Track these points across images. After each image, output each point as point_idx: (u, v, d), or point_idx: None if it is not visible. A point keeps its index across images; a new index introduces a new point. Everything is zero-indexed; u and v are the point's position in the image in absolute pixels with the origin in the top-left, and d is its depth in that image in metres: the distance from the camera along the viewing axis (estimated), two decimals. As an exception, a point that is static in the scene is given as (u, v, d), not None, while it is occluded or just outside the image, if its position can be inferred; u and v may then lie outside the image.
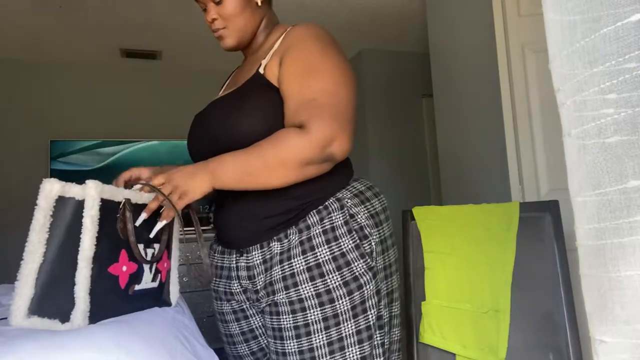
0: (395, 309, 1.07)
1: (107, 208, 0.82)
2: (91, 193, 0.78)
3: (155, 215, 0.96)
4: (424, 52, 3.71)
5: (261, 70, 1.02)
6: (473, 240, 1.48)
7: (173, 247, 1.02)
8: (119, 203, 0.85)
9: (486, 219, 1.49)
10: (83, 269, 0.76)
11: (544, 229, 1.43)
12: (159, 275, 0.96)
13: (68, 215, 0.77)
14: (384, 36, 3.70)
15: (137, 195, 0.90)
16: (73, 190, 0.78)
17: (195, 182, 0.90)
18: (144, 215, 0.89)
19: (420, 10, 3.27)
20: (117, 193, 0.85)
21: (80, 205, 0.78)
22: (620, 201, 0.41)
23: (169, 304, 1.00)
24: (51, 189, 0.76)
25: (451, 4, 2.55)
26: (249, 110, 0.99)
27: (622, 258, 0.41)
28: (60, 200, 0.77)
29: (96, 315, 0.78)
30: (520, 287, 1.39)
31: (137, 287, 0.89)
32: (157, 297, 0.97)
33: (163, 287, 0.99)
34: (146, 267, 0.91)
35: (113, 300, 0.83)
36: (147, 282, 0.92)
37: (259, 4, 1.08)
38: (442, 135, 2.66)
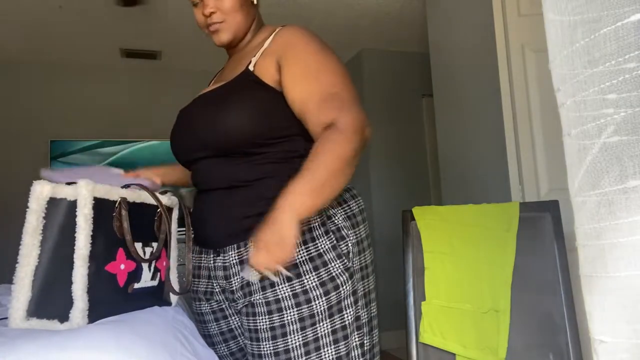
0: (374, 310, 1.06)
1: (102, 207, 0.82)
2: (83, 192, 0.78)
3: (153, 214, 0.96)
4: (424, 52, 3.71)
5: (251, 67, 1.02)
6: (473, 240, 1.48)
7: (171, 246, 1.02)
8: (115, 202, 0.85)
9: (486, 219, 1.49)
10: (79, 268, 0.76)
11: (544, 229, 1.43)
12: (159, 273, 0.96)
13: (61, 216, 0.77)
14: (384, 36, 3.70)
15: (133, 194, 0.90)
16: (64, 191, 0.78)
17: (285, 229, 0.86)
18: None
19: (420, 10, 3.27)
20: (111, 192, 0.84)
21: (72, 205, 0.78)
22: (620, 201, 0.41)
23: (169, 303, 1.00)
24: (42, 191, 0.76)
25: (451, 4, 2.55)
26: (236, 105, 0.99)
27: (622, 258, 0.41)
28: (52, 202, 0.76)
29: (95, 313, 0.78)
30: (520, 287, 1.39)
31: (136, 286, 0.89)
32: (158, 296, 0.97)
33: (163, 286, 0.99)
34: (145, 265, 0.91)
35: (112, 299, 0.83)
36: (146, 280, 0.92)
37: (255, 2, 1.10)
38: (442, 135, 2.66)
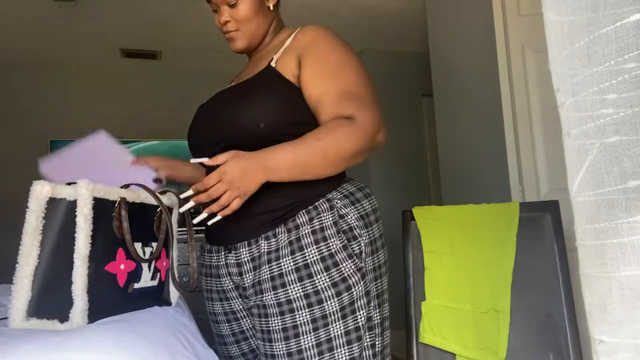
0: (386, 312, 1.05)
1: (102, 207, 0.82)
2: (83, 192, 0.78)
3: (152, 214, 0.96)
4: (424, 52, 3.71)
5: (273, 64, 1.03)
6: (473, 240, 1.48)
7: (173, 246, 1.02)
8: (114, 202, 0.85)
9: (486, 219, 1.49)
10: (79, 268, 0.76)
11: (544, 229, 1.43)
12: (159, 274, 0.96)
13: (60, 216, 0.77)
14: (384, 36, 3.70)
15: (133, 194, 0.90)
16: (64, 191, 0.78)
17: (251, 179, 0.89)
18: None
19: (420, 10, 3.27)
20: (111, 192, 0.85)
21: (72, 205, 0.78)
22: (620, 201, 0.41)
23: (169, 304, 1.00)
24: (41, 191, 0.76)
25: (451, 3, 2.55)
26: (258, 99, 0.99)
27: (622, 258, 0.41)
28: (52, 202, 0.77)
29: (95, 313, 0.78)
30: (520, 287, 1.39)
31: (136, 286, 0.89)
32: (158, 296, 0.97)
33: (163, 286, 0.99)
34: (145, 265, 0.91)
35: (112, 299, 0.83)
36: (146, 280, 0.92)
37: (271, 8, 1.10)
38: (442, 135, 2.66)
